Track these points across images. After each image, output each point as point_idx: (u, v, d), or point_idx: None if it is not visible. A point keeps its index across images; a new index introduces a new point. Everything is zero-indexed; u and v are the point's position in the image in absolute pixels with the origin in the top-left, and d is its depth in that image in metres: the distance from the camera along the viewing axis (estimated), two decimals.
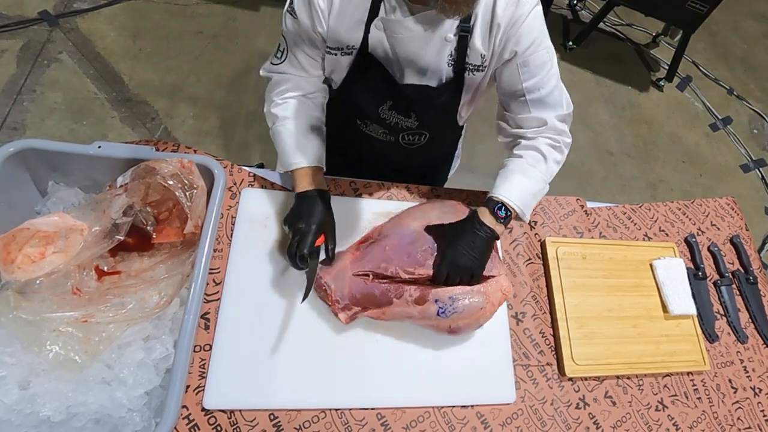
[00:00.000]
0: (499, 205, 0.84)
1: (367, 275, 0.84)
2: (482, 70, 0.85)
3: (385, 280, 0.83)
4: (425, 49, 0.81)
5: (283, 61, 0.89)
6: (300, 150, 0.88)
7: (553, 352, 0.94)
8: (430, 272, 0.82)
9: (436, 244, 0.84)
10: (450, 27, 0.79)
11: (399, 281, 0.83)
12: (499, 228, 0.84)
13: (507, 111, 0.91)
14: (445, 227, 0.86)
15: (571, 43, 2.83)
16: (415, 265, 0.82)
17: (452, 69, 0.84)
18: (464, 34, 0.80)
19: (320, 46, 0.85)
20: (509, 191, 0.85)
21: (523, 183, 0.86)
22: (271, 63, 0.91)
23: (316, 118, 0.94)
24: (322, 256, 0.86)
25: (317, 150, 0.91)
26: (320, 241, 0.83)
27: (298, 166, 0.88)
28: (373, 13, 0.79)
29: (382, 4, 0.78)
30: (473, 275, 0.80)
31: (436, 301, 0.80)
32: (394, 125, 0.94)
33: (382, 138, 0.99)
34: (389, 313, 0.83)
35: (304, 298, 0.81)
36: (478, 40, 0.80)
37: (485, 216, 0.84)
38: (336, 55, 0.85)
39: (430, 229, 0.87)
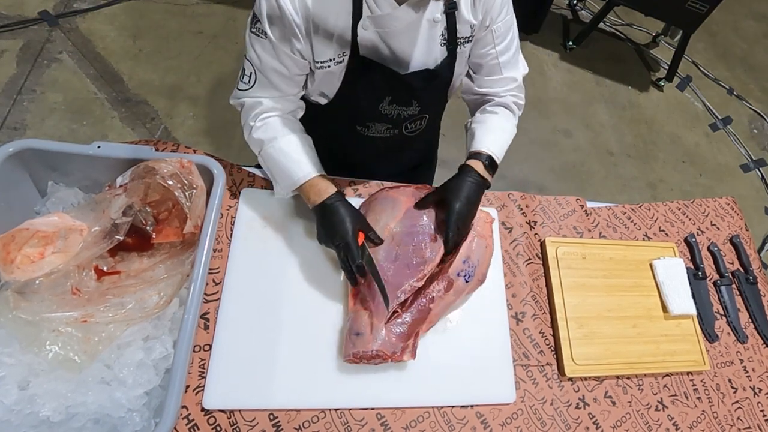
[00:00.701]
0: (488, 157, 0.90)
1: (396, 312, 0.83)
2: (471, 41, 0.86)
3: (411, 301, 0.84)
4: (418, 34, 0.81)
5: (252, 86, 0.84)
6: (302, 162, 0.86)
7: (553, 352, 0.94)
8: (437, 257, 0.84)
9: (418, 223, 0.87)
10: (436, 8, 0.79)
11: (420, 288, 0.84)
12: (489, 177, 0.90)
13: (476, 73, 0.95)
14: (439, 189, 0.90)
15: (571, 43, 2.83)
16: (421, 267, 0.83)
17: (446, 47, 0.85)
18: (451, 10, 0.80)
19: (298, 64, 0.82)
20: (494, 144, 0.92)
21: (503, 137, 0.94)
22: (238, 89, 0.87)
23: (301, 131, 0.91)
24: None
25: (316, 159, 0.89)
26: (361, 238, 0.83)
27: (307, 179, 0.85)
28: (357, 14, 0.77)
29: (364, 3, 0.76)
30: (469, 228, 0.87)
31: (458, 274, 0.86)
32: (397, 117, 0.94)
33: (385, 134, 0.98)
34: (435, 317, 0.85)
35: (385, 298, 0.80)
36: (465, 12, 0.82)
37: (478, 167, 0.89)
38: (327, 67, 0.83)
39: (422, 204, 0.89)
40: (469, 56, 0.91)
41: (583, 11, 3.09)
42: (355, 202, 0.99)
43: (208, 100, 2.18)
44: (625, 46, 3.02)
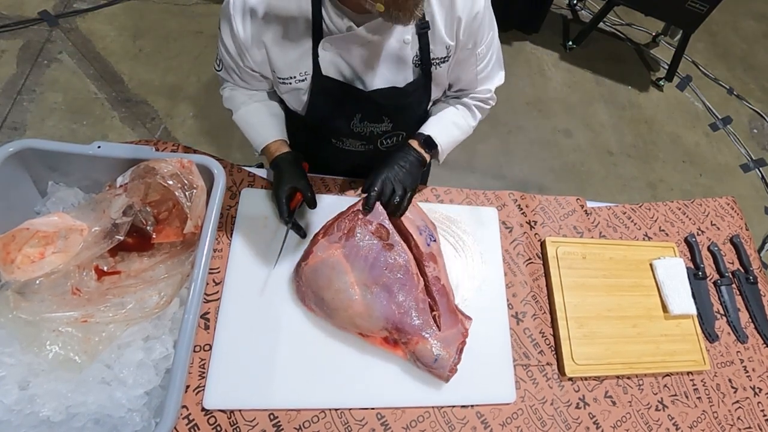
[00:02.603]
0: (430, 140, 0.92)
1: (433, 312, 0.84)
2: (447, 60, 0.85)
3: (429, 293, 0.86)
4: (384, 55, 0.81)
5: (221, 69, 0.89)
6: (268, 127, 0.93)
7: (553, 352, 0.94)
8: (407, 254, 0.86)
9: (365, 252, 0.83)
10: (406, 29, 0.78)
11: (424, 277, 0.86)
12: (425, 156, 0.92)
13: (453, 85, 0.96)
14: (378, 161, 0.90)
15: (571, 43, 2.82)
16: (410, 273, 0.84)
17: (419, 68, 0.84)
18: (423, 31, 0.79)
19: (253, 76, 0.86)
20: (440, 134, 0.93)
21: (453, 133, 0.96)
22: (216, 66, 0.91)
23: (274, 106, 0.96)
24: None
25: (275, 124, 0.94)
26: (297, 199, 0.89)
27: (270, 140, 0.91)
28: (317, 35, 0.77)
29: (323, 24, 0.76)
30: (406, 189, 0.85)
31: (427, 244, 0.89)
32: (369, 134, 0.94)
33: (360, 149, 0.99)
34: (449, 286, 0.89)
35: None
36: (442, 33, 0.80)
37: (414, 144, 0.92)
38: (290, 83, 0.84)
39: (348, 218, 0.88)
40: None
41: (583, 11, 3.09)
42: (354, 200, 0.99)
43: (208, 100, 2.18)
44: (625, 46, 3.02)
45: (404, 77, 0.85)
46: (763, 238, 2.36)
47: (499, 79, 0.97)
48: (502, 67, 0.96)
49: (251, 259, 0.90)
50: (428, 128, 0.93)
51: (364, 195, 0.83)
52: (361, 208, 0.84)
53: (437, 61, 0.84)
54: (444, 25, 0.80)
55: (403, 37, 0.79)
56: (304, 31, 0.77)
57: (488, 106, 1.00)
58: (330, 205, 0.98)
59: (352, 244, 0.84)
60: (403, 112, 0.92)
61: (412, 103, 0.91)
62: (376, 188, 0.82)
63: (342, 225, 0.85)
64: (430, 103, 0.98)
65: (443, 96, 0.99)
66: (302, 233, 0.92)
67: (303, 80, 0.83)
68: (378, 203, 0.84)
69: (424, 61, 0.83)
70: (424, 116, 1.00)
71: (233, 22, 0.75)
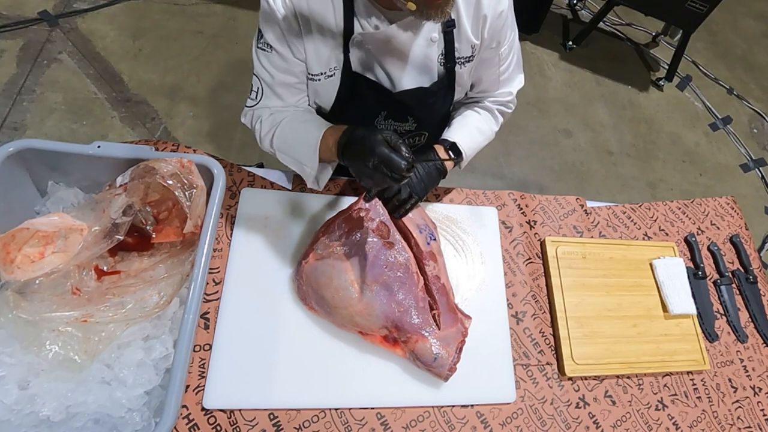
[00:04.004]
0: (456, 148, 0.90)
1: (433, 311, 0.84)
2: (472, 60, 0.85)
3: (429, 292, 0.85)
4: (412, 53, 0.81)
5: (258, 101, 0.85)
6: (316, 121, 0.82)
7: (553, 352, 0.94)
8: (407, 251, 0.84)
9: (367, 250, 0.82)
10: (433, 27, 0.79)
11: (424, 276, 0.86)
12: (448, 164, 0.91)
13: (475, 86, 0.95)
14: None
15: (571, 42, 2.82)
16: (410, 272, 0.83)
17: (443, 66, 0.85)
18: (449, 29, 0.80)
19: (299, 66, 0.82)
20: (466, 141, 0.92)
21: (477, 139, 0.94)
22: (246, 106, 0.88)
23: (309, 110, 0.90)
24: None
25: (321, 120, 0.85)
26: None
27: (324, 129, 0.78)
28: (348, 30, 0.77)
29: (355, 19, 0.76)
30: (412, 194, 0.82)
31: (428, 243, 0.88)
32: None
33: None
34: (448, 285, 0.89)
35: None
36: (467, 31, 0.80)
37: (440, 151, 0.90)
38: (319, 80, 0.83)
39: (347, 221, 0.85)
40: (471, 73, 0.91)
41: (583, 11, 3.09)
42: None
43: (208, 100, 2.18)
44: (625, 45, 3.02)
45: (430, 76, 0.85)
46: (763, 238, 2.36)
47: (519, 81, 0.97)
48: (521, 69, 0.96)
49: (251, 259, 0.90)
50: (453, 134, 0.92)
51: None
52: (362, 206, 0.84)
53: (462, 60, 0.84)
54: (470, 24, 0.80)
55: (430, 36, 0.79)
56: (335, 27, 0.77)
57: (509, 110, 1.00)
58: (330, 204, 0.99)
59: (352, 243, 0.84)
60: (427, 112, 0.92)
61: (436, 103, 0.91)
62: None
63: (342, 223, 0.86)
64: (452, 105, 0.98)
65: (465, 98, 0.99)
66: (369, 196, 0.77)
67: (332, 75, 0.83)
68: (379, 201, 0.84)
69: (449, 60, 0.83)
70: (447, 117, 1.00)
71: (276, 13, 0.74)
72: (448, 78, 0.86)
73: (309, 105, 0.91)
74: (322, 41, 0.78)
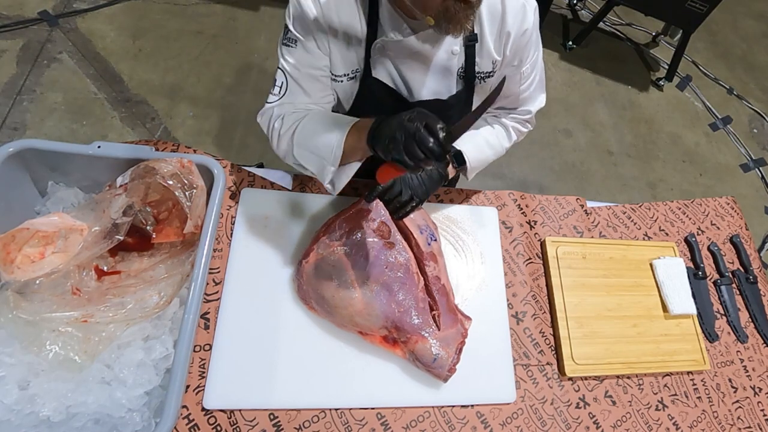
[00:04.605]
0: (459, 156, 0.89)
1: (432, 311, 0.84)
2: (492, 76, 0.85)
3: (429, 292, 0.85)
4: (432, 65, 0.81)
5: (282, 96, 0.83)
6: (347, 119, 0.77)
7: (553, 352, 0.94)
8: (407, 251, 0.84)
9: (368, 250, 0.82)
10: (454, 40, 0.79)
11: (424, 276, 0.86)
12: (450, 170, 0.92)
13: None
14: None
15: (571, 42, 2.82)
16: (410, 272, 0.83)
17: (463, 80, 0.84)
18: (471, 43, 0.79)
19: (325, 69, 0.82)
20: (472, 152, 0.91)
21: (485, 152, 0.94)
22: (267, 102, 0.84)
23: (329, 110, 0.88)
24: None
25: (343, 117, 0.81)
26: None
27: (349, 126, 0.74)
28: (372, 36, 0.77)
29: (379, 25, 0.76)
30: (413, 196, 0.83)
31: (428, 244, 0.88)
32: None
33: None
34: (449, 285, 0.89)
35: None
36: (490, 47, 0.80)
37: None
38: (341, 81, 0.84)
39: (348, 220, 0.85)
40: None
41: (583, 11, 3.09)
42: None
43: (208, 100, 2.18)
44: (625, 45, 3.02)
45: (448, 89, 0.85)
46: (763, 238, 2.36)
47: (540, 101, 0.96)
48: (544, 89, 0.95)
49: (251, 259, 0.90)
50: (461, 143, 0.92)
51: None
52: (363, 206, 0.84)
53: (482, 75, 0.84)
54: (492, 39, 0.80)
55: (451, 48, 0.79)
56: (360, 32, 0.77)
57: (526, 129, 0.99)
58: (330, 204, 0.99)
59: (353, 243, 0.84)
60: None
61: (452, 116, 0.90)
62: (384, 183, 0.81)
63: (343, 223, 0.86)
64: None
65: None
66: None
67: (353, 78, 0.83)
68: (380, 202, 0.84)
69: (468, 74, 0.83)
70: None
71: (305, 12, 0.74)
72: (466, 92, 0.86)
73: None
74: (346, 43, 0.79)
